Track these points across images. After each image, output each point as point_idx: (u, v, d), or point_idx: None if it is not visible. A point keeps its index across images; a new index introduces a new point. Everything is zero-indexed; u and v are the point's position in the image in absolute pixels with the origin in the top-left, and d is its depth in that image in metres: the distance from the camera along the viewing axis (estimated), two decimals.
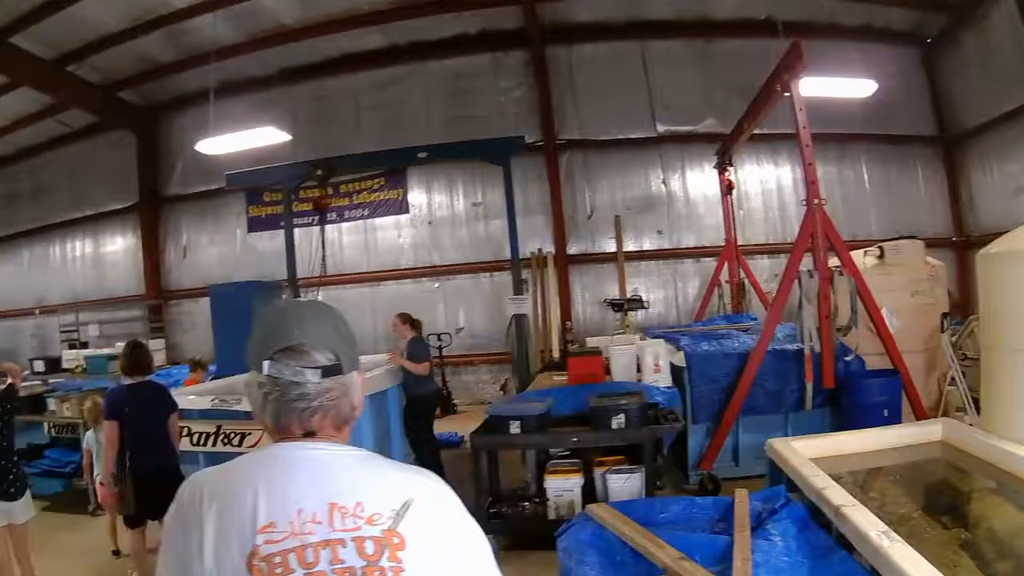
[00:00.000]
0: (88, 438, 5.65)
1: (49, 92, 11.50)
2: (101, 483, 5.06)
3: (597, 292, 11.65)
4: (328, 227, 11.45)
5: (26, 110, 12.24)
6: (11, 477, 4.12)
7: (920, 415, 5.67)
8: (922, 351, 6.77)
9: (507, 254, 11.38)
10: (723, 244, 10.23)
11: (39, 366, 11.08)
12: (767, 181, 11.99)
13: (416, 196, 11.62)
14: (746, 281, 9.85)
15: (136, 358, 4.69)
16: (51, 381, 8.92)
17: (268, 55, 11.57)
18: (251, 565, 1.04)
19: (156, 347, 11.97)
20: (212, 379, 8.40)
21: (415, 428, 6.72)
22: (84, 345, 12.68)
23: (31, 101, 11.91)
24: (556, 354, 11.11)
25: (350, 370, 1.21)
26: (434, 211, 11.59)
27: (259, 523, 1.07)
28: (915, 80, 11.75)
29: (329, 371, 1.17)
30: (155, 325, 12.23)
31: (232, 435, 5.34)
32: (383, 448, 6.11)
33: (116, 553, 5.41)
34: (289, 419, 1.17)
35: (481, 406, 11.27)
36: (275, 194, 11.95)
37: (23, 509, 4.20)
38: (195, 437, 5.44)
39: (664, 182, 11.85)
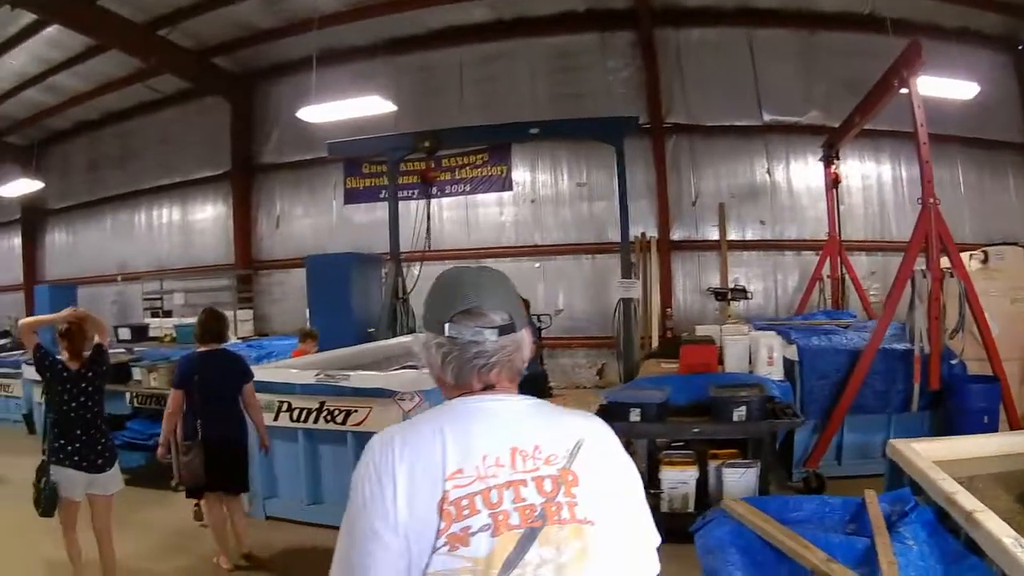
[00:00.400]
0: None
1: (140, 56, 10.81)
2: None
3: (697, 280, 11.12)
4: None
5: (115, 74, 11.69)
6: (99, 448, 3.76)
7: (1014, 423, 5.49)
8: (1018, 359, 6.57)
9: (610, 236, 10.92)
10: (825, 238, 9.72)
11: (124, 334, 10.43)
12: (868, 177, 11.46)
13: (520, 174, 11.03)
14: (846, 277, 9.38)
15: (209, 325, 4.46)
16: (136, 350, 8.41)
17: (371, 25, 10.97)
18: (441, 509, 1.10)
19: (244, 318, 11.40)
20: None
21: None
22: (168, 314, 12.14)
23: (120, 65, 11.36)
24: (656, 341, 10.51)
25: (520, 328, 1.26)
26: (538, 190, 11.00)
27: (448, 471, 1.12)
28: (1007, 86, 11.20)
29: (504, 330, 1.23)
30: (243, 295, 11.65)
31: (336, 412, 4.92)
32: None
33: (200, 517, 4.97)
34: (470, 376, 1.22)
35: (576, 390, 10.74)
36: (374, 166, 11.36)
37: (112, 480, 3.87)
38: (295, 413, 5.02)
39: (768, 172, 11.24)
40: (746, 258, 11.18)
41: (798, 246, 11.18)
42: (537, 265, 11.05)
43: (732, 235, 11.25)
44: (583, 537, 1.15)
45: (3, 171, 13.02)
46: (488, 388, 1.24)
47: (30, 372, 7.14)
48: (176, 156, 12.35)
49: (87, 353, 3.82)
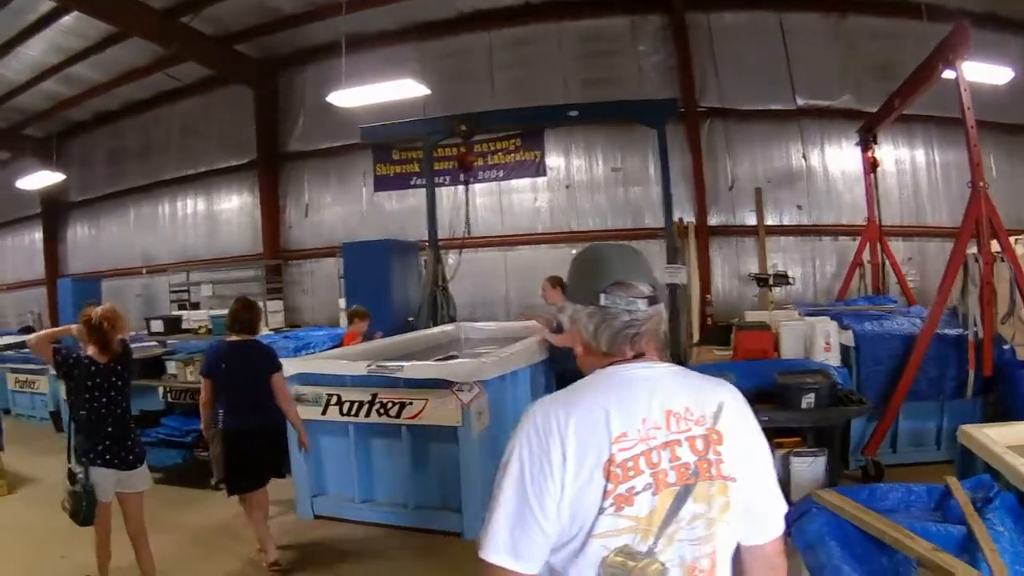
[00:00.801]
0: None
1: (161, 44, 10.15)
2: None
3: (735, 266, 10.64)
4: (461, 188, 10.29)
5: (135, 63, 11.08)
6: (129, 443, 3.54)
7: None
8: None
9: (646, 222, 10.43)
10: (863, 223, 9.35)
11: (156, 326, 9.71)
12: (902, 162, 11.05)
13: (553, 159, 10.46)
14: (885, 262, 9.01)
15: (240, 315, 4.18)
16: (169, 343, 7.95)
17: (399, 9, 10.36)
18: (607, 471, 1.14)
19: (274, 309, 10.83)
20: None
21: None
22: (195, 306, 11.60)
23: (140, 53, 10.77)
24: (696, 328, 9.98)
25: (661, 301, 1.32)
26: (572, 175, 10.47)
27: (613, 435, 1.16)
28: None
29: (651, 301, 1.28)
30: (273, 286, 11.08)
31: (390, 405, 4.51)
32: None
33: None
34: (623, 344, 1.26)
35: None
36: (404, 152, 10.79)
37: (142, 478, 3.63)
38: (345, 406, 4.62)
39: (804, 156, 10.72)
40: (783, 243, 10.76)
41: (835, 231, 10.76)
42: (574, 251, 10.37)
43: (768, 220, 10.79)
44: (727, 493, 1.20)
45: (22, 164, 12.37)
46: (639, 356, 1.27)
47: None
48: (199, 146, 11.74)
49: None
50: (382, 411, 4.46)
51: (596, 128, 10.50)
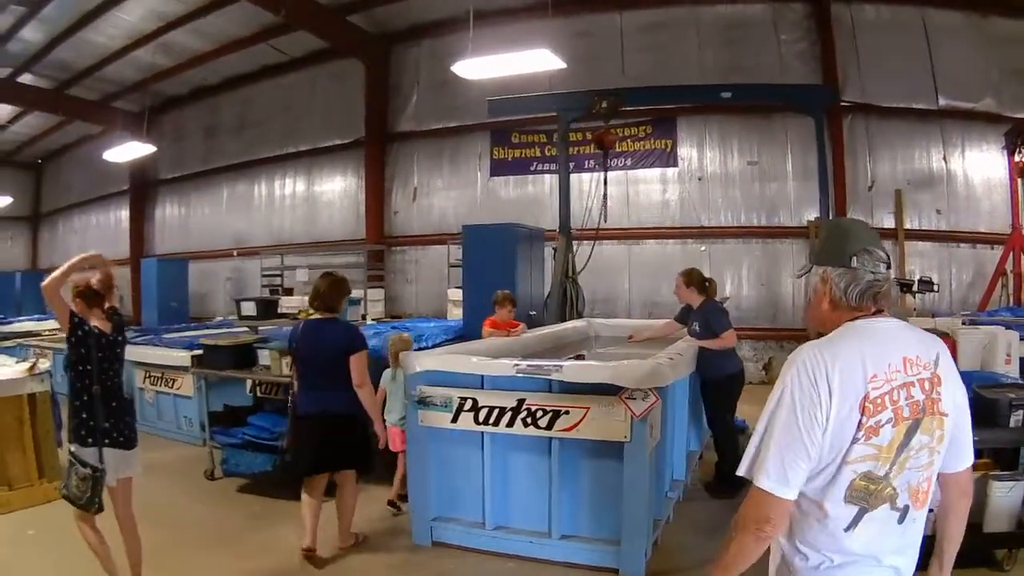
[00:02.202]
0: (385, 376, 4.11)
1: (270, 9, 8.26)
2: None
3: None
4: (586, 175, 8.44)
5: (238, 33, 9.34)
6: (128, 419, 2.91)
7: None
8: None
9: (781, 219, 8.72)
10: (1004, 231, 8.11)
11: (248, 309, 7.74)
12: None
13: (685, 149, 8.60)
14: None
15: (320, 291, 3.40)
16: (261, 329, 6.34)
17: None
18: (863, 406, 1.19)
19: (375, 298, 8.96)
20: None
21: (712, 415, 4.47)
22: (289, 292, 9.77)
23: (245, 22, 9.09)
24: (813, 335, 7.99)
25: (891, 267, 1.36)
26: (705, 167, 8.78)
27: (868, 375, 1.21)
28: None
29: (887, 265, 1.34)
30: (374, 273, 9.24)
31: (539, 413, 3.31)
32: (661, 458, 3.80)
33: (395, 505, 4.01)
34: (866, 300, 1.30)
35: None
36: (524, 135, 9.00)
37: (137, 459, 2.95)
38: (482, 413, 3.42)
39: (945, 159, 8.84)
40: (920, 249, 9.01)
41: (973, 238, 9.17)
42: (703, 248, 8.68)
43: (906, 224, 8.90)
44: (943, 426, 1.28)
45: (113, 139, 10.46)
46: (878, 311, 1.32)
47: (134, 352, 5.40)
48: (301, 123, 9.96)
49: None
50: (529, 420, 3.31)
51: (732, 118, 8.83)
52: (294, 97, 10.20)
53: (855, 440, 1.17)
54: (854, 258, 1.28)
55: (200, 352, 4.95)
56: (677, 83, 8.59)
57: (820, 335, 1.32)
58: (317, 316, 3.39)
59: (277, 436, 4.26)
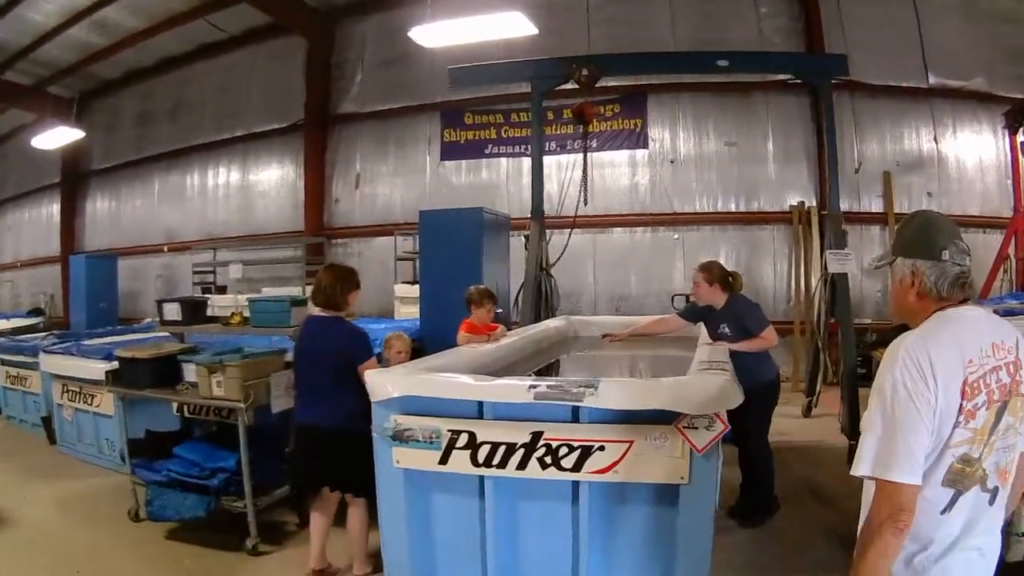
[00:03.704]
0: None
1: None
2: None
3: (858, 256, 7.26)
4: (551, 159, 6.96)
5: (175, 7, 7.63)
6: None
7: None
8: None
9: (763, 204, 7.26)
10: (1000, 215, 7.08)
11: (171, 312, 5.79)
12: None
13: (657, 130, 7.08)
14: None
15: (322, 285, 2.80)
16: (190, 337, 4.76)
17: None
18: (963, 391, 1.16)
19: None
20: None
21: (746, 431, 3.24)
22: (222, 289, 8.04)
23: None
24: (819, 325, 6.60)
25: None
26: (678, 148, 7.29)
27: (965, 360, 1.18)
28: None
29: (970, 256, 1.29)
30: (313, 268, 7.53)
31: (562, 450, 2.18)
32: None
33: None
34: (955, 291, 1.26)
35: None
36: (478, 116, 7.50)
37: None
38: (482, 452, 2.25)
39: (935, 139, 7.44)
40: None
41: (967, 222, 7.77)
42: (676, 236, 7.24)
43: (896, 208, 7.70)
44: None
45: (45, 128, 8.75)
46: (965, 300, 1.28)
47: (51, 363, 4.76)
48: (238, 107, 8.46)
49: None
50: (549, 460, 2.18)
51: (708, 96, 7.49)
52: (231, 79, 8.65)
53: (956, 424, 1.16)
54: (944, 251, 1.25)
55: (116, 365, 3.73)
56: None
57: (905, 326, 1.31)
58: (317, 313, 2.85)
59: (210, 473, 3.30)
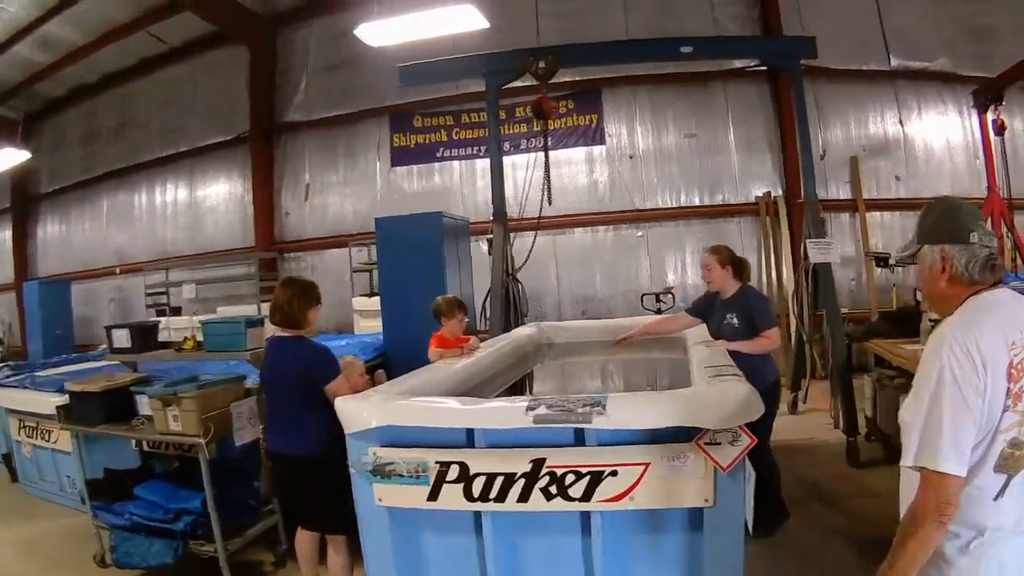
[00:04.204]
0: None
1: None
2: None
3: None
4: (506, 159, 6.47)
5: (117, 19, 7.06)
6: None
7: None
8: None
9: (726, 196, 6.85)
10: (971, 195, 6.46)
11: (120, 339, 5.11)
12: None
13: (614, 125, 6.62)
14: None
15: (279, 301, 2.54)
16: (143, 366, 4.22)
17: None
18: (1009, 373, 1.14)
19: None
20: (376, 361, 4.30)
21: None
22: (176, 311, 7.44)
23: (123, 5, 6.67)
24: (792, 322, 6.23)
25: None
26: (636, 143, 6.77)
27: (1008, 343, 1.16)
28: None
29: (995, 238, 1.29)
30: (267, 284, 7.03)
31: (570, 479, 1.86)
32: None
33: None
34: (986, 274, 1.23)
35: None
36: (428, 119, 7.00)
37: None
38: (477, 484, 1.92)
39: (900, 122, 7.06)
40: (881, 220, 7.31)
41: None
42: (640, 234, 6.81)
43: (865, 193, 7.39)
44: None
45: None
46: (996, 283, 1.26)
47: (5, 397, 4.32)
48: (183, 121, 7.97)
49: None
50: (554, 490, 1.89)
51: (665, 88, 7.13)
52: (175, 93, 8.13)
53: (1005, 408, 1.13)
54: (972, 233, 1.23)
55: (67, 400, 3.38)
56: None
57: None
58: (280, 333, 2.59)
59: (174, 516, 2.96)
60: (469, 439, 1.94)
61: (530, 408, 1.87)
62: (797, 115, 5.23)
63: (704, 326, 3.22)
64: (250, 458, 2.97)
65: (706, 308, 3.20)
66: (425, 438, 1.96)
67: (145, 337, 4.45)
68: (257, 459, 2.94)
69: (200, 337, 3.95)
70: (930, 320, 4.29)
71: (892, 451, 3.90)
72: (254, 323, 3.76)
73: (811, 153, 5.24)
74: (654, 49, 5.53)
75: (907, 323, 4.32)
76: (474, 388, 2.75)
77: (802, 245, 5.34)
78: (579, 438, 1.89)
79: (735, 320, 2.96)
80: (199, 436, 2.73)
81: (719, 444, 1.82)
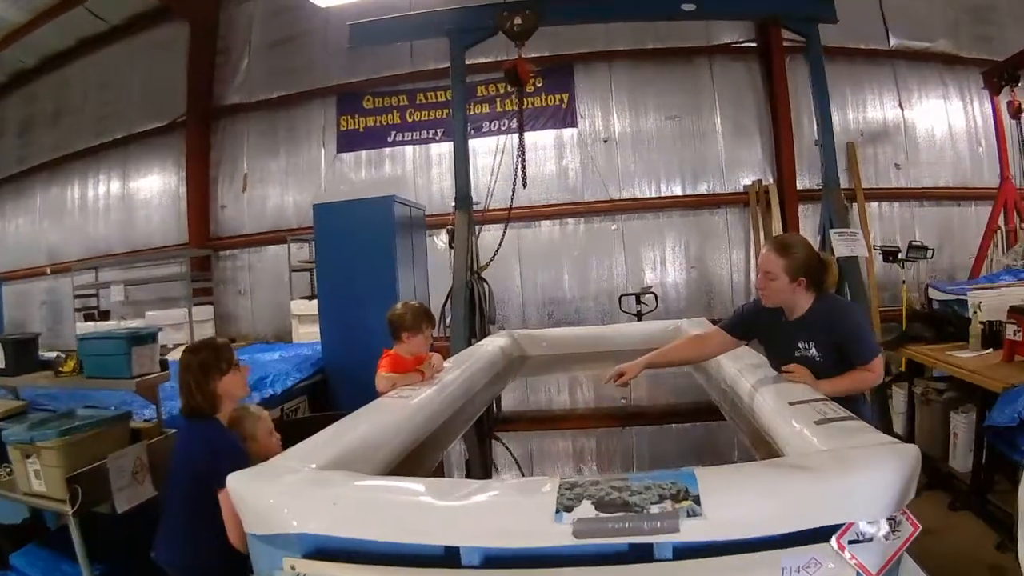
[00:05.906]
0: None
1: None
2: None
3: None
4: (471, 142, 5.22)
5: None
6: None
7: None
8: None
9: (712, 185, 5.55)
10: (974, 185, 5.88)
11: None
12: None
13: (586, 105, 5.32)
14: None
15: (180, 372, 1.78)
16: (24, 392, 2.94)
17: None
18: None
19: (203, 317, 5.53)
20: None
21: None
22: (105, 315, 6.06)
23: None
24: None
25: None
26: (612, 126, 5.49)
27: None
28: None
29: None
30: (201, 285, 5.73)
31: None
32: None
33: None
34: None
35: None
36: (381, 98, 5.64)
37: None
38: None
39: (900, 105, 5.84)
40: (880, 210, 6.11)
41: (941, 195, 6.22)
42: (615, 227, 5.57)
43: (864, 182, 6.12)
44: None
45: None
46: None
47: None
48: (119, 105, 6.71)
49: None
50: None
51: (644, 64, 5.94)
52: (112, 74, 6.85)
53: None
54: None
55: None
56: (574, 37, 5.47)
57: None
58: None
59: None
60: (451, 555, 1.04)
61: (564, 508, 0.94)
62: (814, 86, 4.17)
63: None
64: (150, 515, 2.01)
65: (757, 325, 1.91)
66: (376, 547, 1.07)
67: (21, 354, 3.07)
68: (158, 515, 2.02)
69: (77, 360, 2.59)
70: (980, 324, 3.20)
71: (936, 476, 2.93)
72: (140, 341, 2.49)
73: (832, 133, 4.12)
74: (651, 6, 4.29)
75: (948, 325, 3.33)
76: (441, 430, 1.97)
77: (818, 238, 4.14)
78: (642, 551, 0.98)
79: (814, 350, 1.75)
80: (64, 502, 1.89)
81: (868, 541, 0.98)
